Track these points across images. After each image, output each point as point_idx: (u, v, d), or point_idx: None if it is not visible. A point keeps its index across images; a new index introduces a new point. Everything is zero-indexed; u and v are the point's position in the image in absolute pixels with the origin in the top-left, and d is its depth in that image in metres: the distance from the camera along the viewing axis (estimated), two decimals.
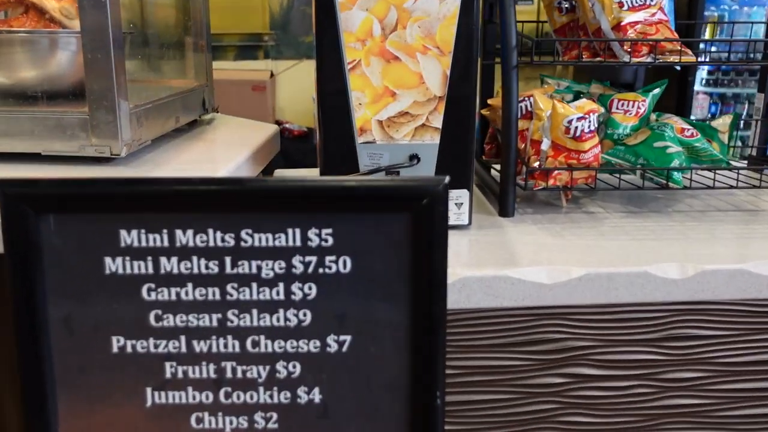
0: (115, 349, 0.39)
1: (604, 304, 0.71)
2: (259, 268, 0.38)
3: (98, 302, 0.38)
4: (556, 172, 0.78)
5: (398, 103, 0.67)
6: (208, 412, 0.39)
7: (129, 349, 0.39)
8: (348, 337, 0.39)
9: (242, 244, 0.38)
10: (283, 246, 0.38)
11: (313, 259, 0.38)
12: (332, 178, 0.38)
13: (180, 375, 0.39)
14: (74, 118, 0.70)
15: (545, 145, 0.79)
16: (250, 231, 0.38)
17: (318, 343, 0.39)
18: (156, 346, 0.39)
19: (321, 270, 0.38)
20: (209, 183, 0.37)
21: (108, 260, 0.38)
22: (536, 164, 0.79)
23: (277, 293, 0.38)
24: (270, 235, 0.38)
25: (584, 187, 0.82)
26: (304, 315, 0.39)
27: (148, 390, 0.39)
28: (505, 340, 0.75)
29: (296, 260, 0.38)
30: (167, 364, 0.39)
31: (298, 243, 0.38)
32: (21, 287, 0.38)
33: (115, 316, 0.38)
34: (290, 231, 0.38)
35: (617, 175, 0.89)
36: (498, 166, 0.84)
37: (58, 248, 0.38)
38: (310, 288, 0.38)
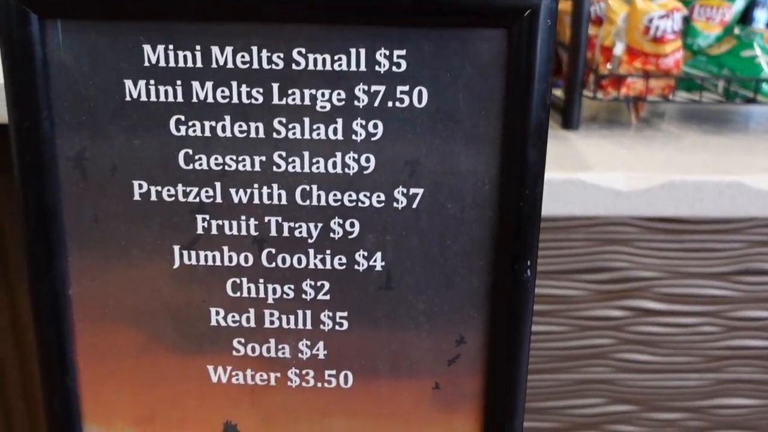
0: (136, 197, 0.32)
1: (685, 218, 0.63)
2: (313, 98, 0.31)
3: (117, 137, 0.31)
4: (630, 78, 0.70)
5: None
6: (246, 278, 0.33)
7: (153, 197, 0.32)
8: (420, 191, 0.31)
9: (293, 67, 0.30)
10: (343, 71, 0.30)
11: (381, 89, 0.30)
12: None
13: (214, 231, 0.32)
14: None
15: (618, 50, 0.70)
16: (303, 50, 0.30)
17: (382, 197, 0.32)
18: (186, 195, 0.32)
19: (390, 103, 0.31)
20: None
21: (129, 84, 0.31)
22: (608, 67, 0.70)
23: (335, 132, 0.31)
24: (328, 57, 0.30)
25: (659, 100, 0.73)
26: (367, 160, 0.31)
27: (176, 248, 0.33)
28: (562, 267, 0.68)
29: (359, 90, 0.30)
30: (199, 217, 0.32)
31: (363, 67, 0.30)
32: (23, 116, 0.31)
33: (137, 156, 0.32)
34: (353, 52, 0.30)
35: (696, 92, 0.80)
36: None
37: (68, 67, 0.31)
38: (375, 126, 0.31)
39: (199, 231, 0.32)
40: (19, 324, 0.56)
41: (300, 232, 0.32)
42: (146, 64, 0.31)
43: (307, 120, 0.31)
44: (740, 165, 0.62)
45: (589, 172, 0.57)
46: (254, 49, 0.30)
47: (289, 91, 0.31)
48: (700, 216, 0.60)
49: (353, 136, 0.31)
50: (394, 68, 0.30)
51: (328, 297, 0.33)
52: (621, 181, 0.57)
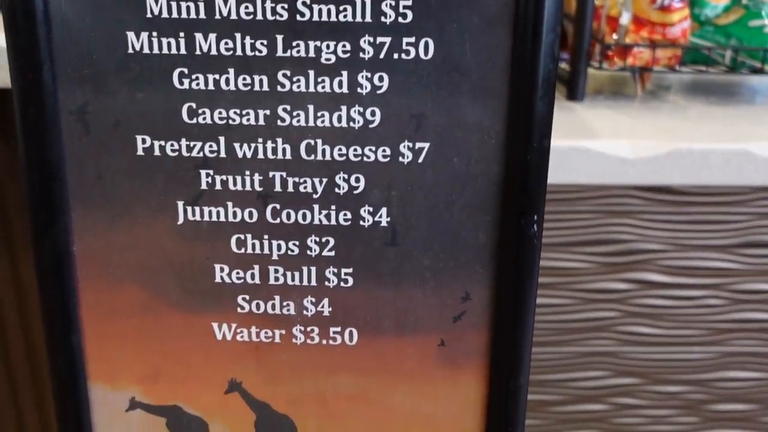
0: (140, 152, 0.32)
1: (689, 189, 0.62)
2: (317, 50, 0.30)
3: (119, 91, 0.31)
4: (636, 48, 0.69)
5: None
6: (251, 234, 0.32)
7: (157, 152, 0.32)
8: (426, 145, 0.31)
9: (298, 18, 0.30)
10: (348, 22, 0.30)
11: (387, 40, 0.30)
12: None
13: (218, 186, 0.32)
14: None
15: (625, 19, 0.70)
16: (307, 1, 0.30)
17: (388, 151, 0.31)
18: (190, 149, 0.32)
19: (396, 55, 0.30)
20: None
21: (131, 36, 0.30)
22: (614, 38, 0.70)
23: (340, 84, 0.31)
24: (333, 7, 0.30)
25: (665, 71, 0.73)
26: (373, 114, 0.31)
27: (180, 204, 0.32)
28: (566, 239, 0.68)
29: (365, 41, 0.30)
30: (203, 173, 0.32)
31: (369, 18, 0.30)
32: (25, 69, 0.30)
33: (141, 110, 0.31)
34: (358, 2, 0.29)
35: (703, 65, 0.79)
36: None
37: (69, 18, 0.30)
38: (381, 79, 0.30)
39: (203, 186, 0.32)
40: (21, 288, 0.56)
41: (305, 188, 0.32)
42: (149, 15, 0.30)
43: (311, 73, 0.31)
44: (747, 134, 0.61)
45: (595, 140, 0.57)
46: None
47: (294, 43, 0.30)
48: (706, 185, 0.59)
49: (358, 89, 0.31)
50: (400, 19, 0.30)
51: (333, 253, 0.33)
52: (627, 149, 0.57)
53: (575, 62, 0.70)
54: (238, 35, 0.30)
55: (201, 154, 0.32)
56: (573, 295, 0.73)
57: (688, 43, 0.71)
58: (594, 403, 0.77)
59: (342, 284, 0.33)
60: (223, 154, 0.32)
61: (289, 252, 0.33)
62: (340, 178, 0.32)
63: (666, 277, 0.71)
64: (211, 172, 0.32)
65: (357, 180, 0.32)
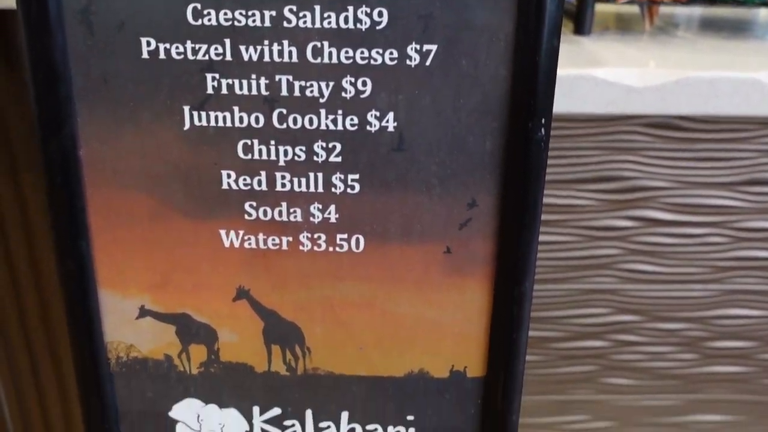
0: (144, 55, 0.31)
1: (694, 125, 0.62)
2: None
3: None
4: None
5: None
6: (258, 139, 0.32)
7: (162, 55, 0.31)
8: (433, 47, 0.31)
9: None
10: None
11: None
12: None
13: (224, 90, 0.32)
14: None
15: None
16: None
17: (395, 54, 0.31)
18: (195, 52, 0.31)
19: None
20: None
21: None
22: None
23: None
24: None
25: (672, 3, 0.71)
26: (380, 15, 0.30)
27: (186, 108, 0.32)
28: (570, 176, 0.68)
29: None
30: (209, 76, 0.32)
31: None
32: None
33: (145, 11, 0.31)
34: None
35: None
36: None
37: None
38: None
39: (209, 91, 0.32)
40: (26, 211, 0.56)
41: (311, 92, 0.32)
42: None
43: None
44: (757, 65, 0.61)
45: (602, 68, 0.56)
46: None
47: None
48: (714, 115, 0.59)
49: None
50: None
51: (339, 159, 0.33)
52: (634, 78, 0.56)
53: None
54: None
55: (206, 57, 0.31)
56: (576, 233, 0.73)
57: None
58: (594, 340, 0.78)
59: (348, 190, 0.33)
60: (228, 57, 0.31)
61: (296, 158, 0.33)
62: (346, 81, 0.31)
63: (669, 214, 0.71)
64: (216, 75, 0.32)
65: (364, 84, 0.31)
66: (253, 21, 0.31)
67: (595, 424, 0.82)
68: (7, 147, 0.52)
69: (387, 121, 0.32)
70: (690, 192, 0.70)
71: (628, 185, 0.70)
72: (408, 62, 0.31)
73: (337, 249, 0.34)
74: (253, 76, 0.31)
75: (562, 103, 0.57)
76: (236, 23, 0.31)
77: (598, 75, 0.56)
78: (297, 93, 0.32)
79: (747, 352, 0.79)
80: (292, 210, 0.33)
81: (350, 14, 0.30)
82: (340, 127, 0.32)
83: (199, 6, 0.31)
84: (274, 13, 0.31)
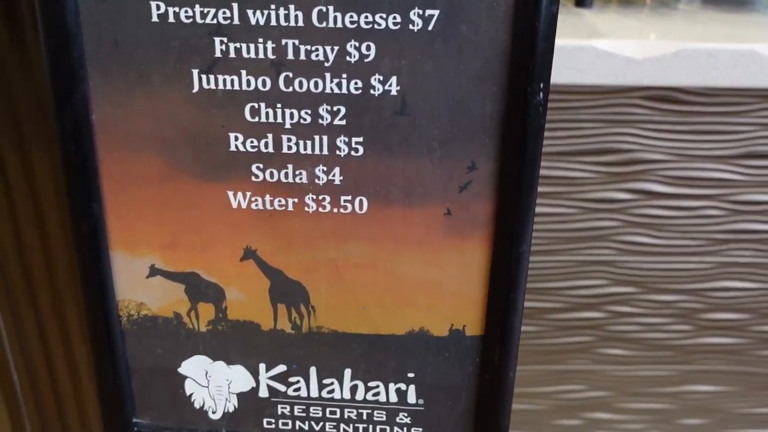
0: (154, 18, 0.32)
1: (693, 97, 0.63)
2: None
3: None
4: None
5: None
6: (264, 102, 0.33)
7: (171, 18, 0.32)
8: (435, 12, 0.32)
9: None
10: None
11: None
12: None
13: (232, 54, 0.33)
14: None
15: None
16: None
17: (398, 18, 0.32)
18: (204, 16, 0.32)
19: None
20: None
21: None
22: None
23: None
24: None
25: None
26: None
27: (195, 72, 0.33)
28: (568, 148, 0.68)
29: None
30: (217, 40, 0.33)
31: None
32: None
33: None
34: None
35: None
36: None
37: None
38: None
39: (217, 54, 0.33)
40: (33, 179, 0.57)
41: (317, 56, 0.32)
42: None
43: None
44: (756, 37, 0.61)
45: (602, 39, 0.57)
46: None
47: None
48: (713, 86, 0.60)
49: None
50: None
51: (344, 122, 0.33)
52: (634, 49, 0.57)
53: None
54: None
55: (215, 21, 0.32)
56: (574, 205, 0.74)
57: None
58: (590, 311, 0.79)
59: (353, 153, 0.34)
60: (236, 21, 0.32)
61: (302, 120, 0.34)
62: (351, 45, 0.32)
63: (667, 187, 0.72)
64: (224, 39, 0.32)
65: (368, 48, 0.32)
66: None
67: (590, 393, 0.83)
68: (14, 114, 0.53)
69: (390, 85, 0.33)
70: (688, 165, 0.71)
71: (627, 158, 0.71)
72: (411, 27, 0.32)
73: (341, 210, 0.35)
74: (260, 40, 0.32)
75: (563, 74, 0.58)
76: None
77: (598, 46, 0.56)
78: (303, 57, 0.32)
79: (741, 324, 0.80)
80: (297, 172, 0.35)
81: None
82: (344, 90, 0.33)
83: None
84: None
